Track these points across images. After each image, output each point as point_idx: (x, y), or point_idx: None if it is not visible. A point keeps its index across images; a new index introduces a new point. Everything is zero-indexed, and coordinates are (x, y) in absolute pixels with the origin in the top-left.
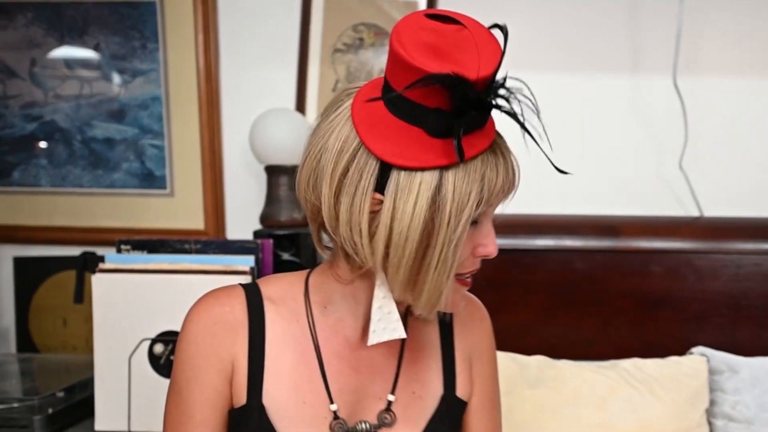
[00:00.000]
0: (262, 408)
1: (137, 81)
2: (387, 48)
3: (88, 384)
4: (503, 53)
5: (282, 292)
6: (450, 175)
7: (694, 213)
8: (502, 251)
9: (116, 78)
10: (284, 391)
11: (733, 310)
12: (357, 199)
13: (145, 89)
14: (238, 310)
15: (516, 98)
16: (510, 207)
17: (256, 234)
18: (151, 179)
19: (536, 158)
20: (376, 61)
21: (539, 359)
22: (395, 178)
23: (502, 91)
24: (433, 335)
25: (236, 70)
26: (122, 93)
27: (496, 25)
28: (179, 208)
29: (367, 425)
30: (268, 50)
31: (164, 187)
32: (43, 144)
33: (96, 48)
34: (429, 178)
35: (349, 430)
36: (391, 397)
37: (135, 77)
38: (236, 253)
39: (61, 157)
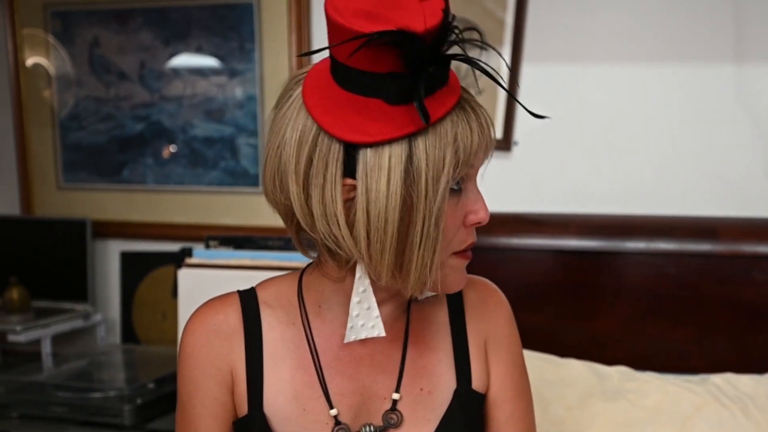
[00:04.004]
0: (263, 417)
1: (235, 81)
2: (477, 43)
3: None
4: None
5: (277, 294)
6: (420, 143)
7: None
8: (589, 254)
9: (215, 78)
10: (284, 399)
11: None
12: (327, 189)
13: (241, 89)
14: (233, 317)
15: (475, 44)
16: (598, 206)
17: None
18: (246, 177)
19: (626, 153)
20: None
21: (621, 370)
22: (363, 157)
23: (454, 39)
24: (442, 325)
25: None
26: (220, 93)
27: None
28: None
29: (372, 428)
30: None
31: (257, 185)
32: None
33: (198, 50)
34: (398, 150)
35: None
36: (395, 396)
37: (233, 77)
38: None
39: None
